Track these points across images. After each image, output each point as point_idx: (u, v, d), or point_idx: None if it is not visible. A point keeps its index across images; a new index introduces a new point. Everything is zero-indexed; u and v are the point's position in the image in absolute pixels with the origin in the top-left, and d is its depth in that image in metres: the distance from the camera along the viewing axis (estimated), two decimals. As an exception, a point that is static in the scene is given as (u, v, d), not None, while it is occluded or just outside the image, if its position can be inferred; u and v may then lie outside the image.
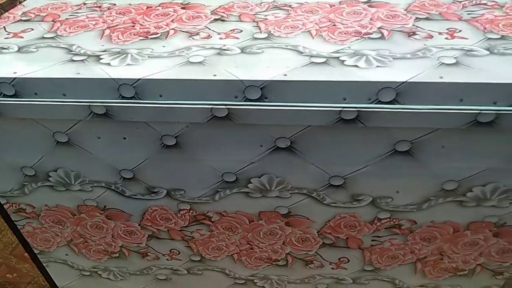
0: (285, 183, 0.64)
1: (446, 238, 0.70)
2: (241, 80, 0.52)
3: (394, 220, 0.68)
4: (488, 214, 0.65)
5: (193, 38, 0.62)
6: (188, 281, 0.87)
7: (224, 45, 0.60)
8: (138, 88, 0.54)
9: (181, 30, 0.65)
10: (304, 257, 0.78)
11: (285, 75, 0.52)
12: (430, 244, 0.72)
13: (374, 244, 0.73)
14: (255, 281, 0.86)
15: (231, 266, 0.83)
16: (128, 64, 0.56)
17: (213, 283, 0.87)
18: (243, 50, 0.59)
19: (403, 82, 0.50)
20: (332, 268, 0.80)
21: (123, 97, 0.55)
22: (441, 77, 0.51)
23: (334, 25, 0.65)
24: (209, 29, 0.65)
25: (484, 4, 0.70)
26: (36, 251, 0.86)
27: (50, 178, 0.69)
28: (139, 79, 0.53)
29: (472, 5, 0.70)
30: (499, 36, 0.59)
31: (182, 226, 0.74)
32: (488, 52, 0.56)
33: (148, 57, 0.58)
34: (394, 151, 0.58)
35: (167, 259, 0.83)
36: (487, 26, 0.62)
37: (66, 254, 0.86)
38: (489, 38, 0.59)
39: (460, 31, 0.61)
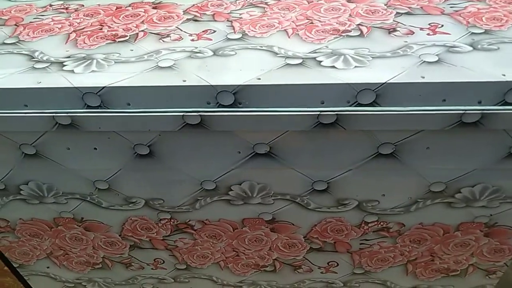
0: (267, 190, 0.61)
1: (436, 239, 0.68)
2: (212, 85, 0.49)
3: (381, 223, 0.66)
4: (478, 215, 0.63)
5: (163, 41, 0.59)
6: (174, 289, 0.85)
7: (196, 47, 0.57)
8: (103, 96, 0.51)
9: (151, 32, 0.62)
10: (292, 262, 0.76)
11: (259, 78, 0.50)
12: (420, 246, 0.70)
13: (363, 248, 0.71)
14: (243, 287, 0.84)
15: (218, 273, 0.81)
16: (93, 71, 0.53)
17: (201, 290, 0.85)
18: (215, 52, 0.56)
19: (383, 83, 0.48)
20: (322, 272, 0.78)
21: (89, 106, 0.52)
22: (423, 77, 0.48)
23: (312, 23, 0.62)
24: (181, 30, 0.62)
25: (468, -5, 0.67)
26: (15, 265, 0.83)
27: (21, 192, 0.66)
28: (104, 87, 0.50)
29: (456, -3, 0.67)
30: (482, 31, 0.57)
31: (164, 235, 0.72)
32: (471, 48, 0.53)
33: (115, 62, 0.55)
34: (378, 154, 0.55)
35: (152, 269, 0.81)
36: (470, 20, 0.60)
37: (47, 267, 0.83)
38: (472, 33, 0.56)
39: (442, 26, 0.59)
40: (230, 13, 0.67)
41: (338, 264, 0.76)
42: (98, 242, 0.74)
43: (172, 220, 0.67)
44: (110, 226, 0.70)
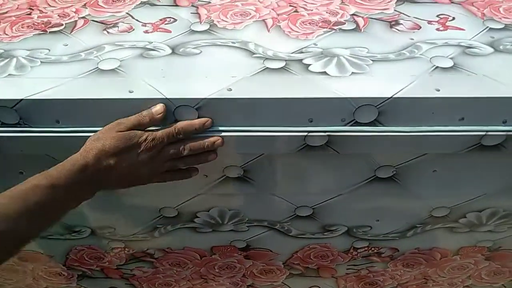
0: (240, 216, 0.51)
1: (432, 263, 0.60)
2: (169, 99, 0.38)
3: (373, 248, 0.57)
4: (482, 239, 0.55)
5: (108, 32, 0.46)
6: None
7: (150, 42, 0.45)
8: (22, 111, 0.38)
9: (94, 20, 0.49)
10: None
11: (230, 89, 0.38)
12: (413, 270, 0.62)
13: (349, 272, 0.63)
14: (214, 309, 0.75)
15: (185, 297, 0.71)
16: (10, 75, 0.40)
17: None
18: (175, 50, 0.43)
19: (388, 98, 0.37)
20: (302, 295, 0.70)
21: (4, 124, 0.39)
22: (438, 90, 0.38)
23: (296, 11, 0.50)
24: (133, 17, 0.49)
25: (479, -19, 0.57)
26: None
27: None
28: (21, 100, 0.38)
29: (464, -17, 0.57)
30: (501, 26, 0.47)
31: (118, 264, 0.60)
32: (492, 50, 0.43)
33: (41, 62, 0.42)
34: (375, 177, 0.45)
35: (108, 295, 0.70)
36: (486, 12, 0.50)
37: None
38: (491, 29, 0.47)
39: (454, 18, 0.48)
40: (195, -5, 0.54)
41: None
42: (38, 273, 0.62)
43: (126, 249, 0.56)
44: (51, 256, 0.58)
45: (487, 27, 0.47)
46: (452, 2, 0.52)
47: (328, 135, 0.39)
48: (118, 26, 0.48)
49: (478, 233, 0.54)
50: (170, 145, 0.37)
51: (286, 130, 0.39)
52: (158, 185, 0.45)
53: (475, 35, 0.45)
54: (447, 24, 0.47)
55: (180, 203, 0.48)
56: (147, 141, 0.36)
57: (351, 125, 0.39)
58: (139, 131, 0.36)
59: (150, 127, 0.37)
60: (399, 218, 0.52)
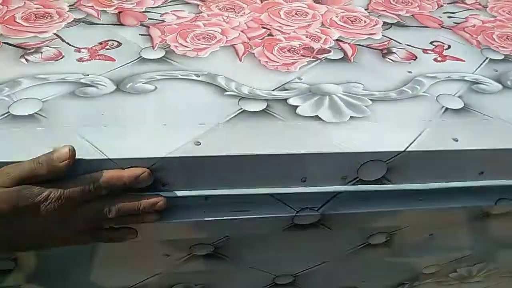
0: (208, 289, 0.41)
1: (418, 314, 0.54)
2: (112, 160, 0.27)
3: (356, 306, 0.50)
4: (469, 288, 0.50)
5: (27, 60, 0.35)
6: None
7: (86, 75, 0.34)
8: None
9: (7, 43, 0.37)
10: None
11: (198, 143, 0.28)
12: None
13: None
14: None
15: None
16: None
17: None
18: (120, 86, 0.33)
19: (401, 152, 0.30)
20: None
21: None
22: (456, 140, 0.31)
23: (271, 34, 0.42)
24: (63, 40, 0.38)
25: (462, 2, 0.53)
26: None
27: None
28: None
29: (448, 4, 0.52)
30: (501, 57, 0.42)
31: None
32: (500, 86, 0.38)
33: None
34: (366, 244, 0.38)
35: None
36: (480, 39, 0.45)
37: None
38: (491, 60, 0.41)
39: (450, 47, 0.43)
40: (145, 11, 0.44)
41: None
42: None
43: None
44: None
45: (487, 57, 0.41)
46: (442, 27, 0.46)
47: (321, 214, 0.31)
48: (41, 52, 0.36)
49: (467, 284, 0.49)
50: (87, 204, 0.26)
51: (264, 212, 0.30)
52: (105, 261, 0.35)
53: (477, 68, 0.40)
54: (444, 53, 0.41)
55: (134, 283, 0.37)
56: (49, 201, 0.25)
57: (353, 183, 0.31)
58: (36, 188, 0.25)
59: (49, 179, 0.25)
60: (387, 277, 0.45)
